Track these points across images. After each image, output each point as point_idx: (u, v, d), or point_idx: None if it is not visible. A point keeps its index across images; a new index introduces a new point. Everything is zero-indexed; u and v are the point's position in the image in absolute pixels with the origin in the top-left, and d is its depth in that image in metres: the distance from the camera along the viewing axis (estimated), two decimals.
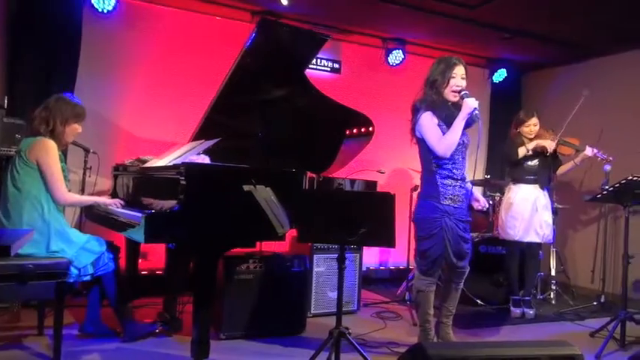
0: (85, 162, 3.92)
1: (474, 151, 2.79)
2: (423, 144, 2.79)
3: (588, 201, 3.80)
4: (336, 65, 5.25)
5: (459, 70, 2.75)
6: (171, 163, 2.84)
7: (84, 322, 3.11)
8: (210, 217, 2.55)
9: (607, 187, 3.66)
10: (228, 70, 3.13)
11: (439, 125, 2.73)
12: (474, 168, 2.95)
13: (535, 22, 4.54)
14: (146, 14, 4.49)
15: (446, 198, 2.72)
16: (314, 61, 4.97)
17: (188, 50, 4.63)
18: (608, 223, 4.92)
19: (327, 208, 2.53)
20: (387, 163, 5.06)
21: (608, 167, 4.20)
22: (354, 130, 3.77)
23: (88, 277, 2.82)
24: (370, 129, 3.81)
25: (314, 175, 3.30)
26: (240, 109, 3.29)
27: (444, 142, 2.67)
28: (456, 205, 2.73)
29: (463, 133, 2.75)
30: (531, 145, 4.10)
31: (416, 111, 2.81)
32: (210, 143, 2.90)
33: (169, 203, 2.58)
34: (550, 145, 4.08)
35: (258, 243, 3.48)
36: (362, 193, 3.48)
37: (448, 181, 2.74)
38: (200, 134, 3.28)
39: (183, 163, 2.62)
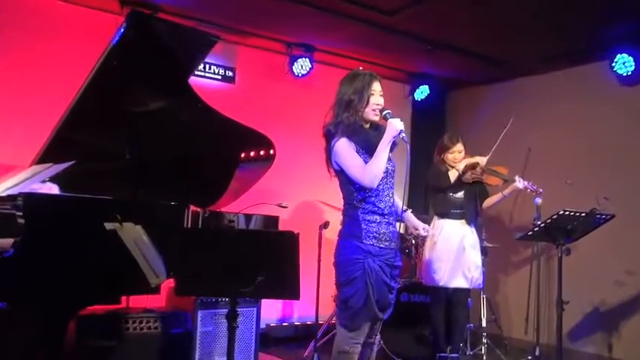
0: None
1: (401, 180, 2.87)
2: (342, 175, 2.85)
3: (519, 239, 4.10)
4: (230, 73, 5.25)
5: (377, 87, 2.88)
6: (5, 194, 2.66)
7: None
8: (57, 264, 2.41)
9: (538, 222, 3.97)
10: (87, 74, 3.01)
11: (358, 153, 2.81)
12: (402, 200, 2.99)
13: (459, 35, 4.91)
14: None
15: (369, 237, 2.77)
16: (201, 66, 4.95)
17: (35, 46, 4.39)
18: (542, 264, 5.33)
19: (214, 252, 2.49)
20: (291, 195, 5.10)
21: (539, 200, 4.57)
22: (251, 154, 3.78)
23: None
24: (271, 152, 3.84)
25: (199, 210, 3.27)
26: (103, 124, 3.18)
27: (369, 171, 2.74)
28: (381, 246, 2.79)
29: (388, 159, 2.85)
30: (462, 165, 4.35)
31: (330, 137, 2.87)
32: (60, 168, 2.76)
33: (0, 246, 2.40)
34: (481, 160, 4.35)
35: (124, 297, 3.34)
36: (258, 232, 3.47)
37: (371, 217, 2.80)
38: (47, 156, 3.10)
39: (21, 193, 2.48)
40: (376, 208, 2.82)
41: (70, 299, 2.48)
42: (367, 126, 2.88)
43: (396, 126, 2.75)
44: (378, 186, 2.80)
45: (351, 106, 2.83)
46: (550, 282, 5.22)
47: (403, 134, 2.76)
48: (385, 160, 2.77)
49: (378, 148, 2.76)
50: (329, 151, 2.86)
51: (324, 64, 5.56)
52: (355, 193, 2.82)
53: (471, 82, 6.22)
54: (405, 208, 2.99)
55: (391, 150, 2.84)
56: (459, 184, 4.36)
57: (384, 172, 2.81)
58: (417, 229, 3.05)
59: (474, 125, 5.98)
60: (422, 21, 4.62)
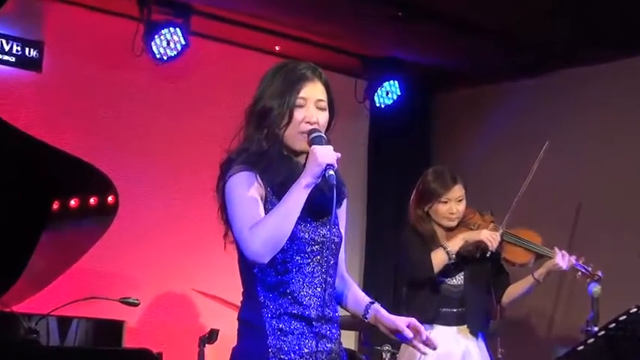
0: None
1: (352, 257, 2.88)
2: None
3: (562, 359, 4.15)
4: (33, 53, 5.22)
5: (312, 92, 2.87)
6: None
7: None
8: None
9: (593, 329, 4.05)
10: None
11: (270, 201, 2.83)
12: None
13: None
14: None
15: (280, 358, 2.79)
16: None
17: None
18: None
19: None
20: (146, 281, 5.12)
21: (594, 287, 4.66)
22: (72, 203, 3.80)
23: None
24: (109, 200, 3.88)
25: None
26: None
27: (256, 233, 2.71)
28: None
29: (333, 224, 2.85)
30: (456, 245, 4.39)
31: (226, 170, 2.84)
32: None
33: None
34: (493, 237, 4.38)
35: None
36: (86, 351, 3.42)
37: (286, 324, 2.78)
38: None
39: None
40: (297, 308, 2.82)
41: None
42: (299, 159, 2.88)
43: (318, 157, 2.72)
44: (302, 267, 2.82)
45: (269, 119, 2.82)
46: None
47: (331, 172, 2.74)
48: (294, 216, 2.75)
49: (287, 194, 2.75)
50: (221, 193, 2.84)
51: (209, 38, 5.63)
52: (258, 276, 2.82)
53: (472, 76, 6.40)
54: (370, 300, 2.96)
55: (338, 202, 2.83)
56: (457, 262, 4.40)
57: (317, 244, 2.85)
58: (397, 331, 3.01)
59: (478, 151, 6.12)
60: None
